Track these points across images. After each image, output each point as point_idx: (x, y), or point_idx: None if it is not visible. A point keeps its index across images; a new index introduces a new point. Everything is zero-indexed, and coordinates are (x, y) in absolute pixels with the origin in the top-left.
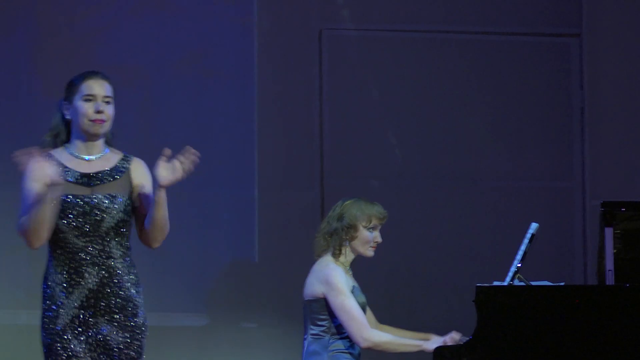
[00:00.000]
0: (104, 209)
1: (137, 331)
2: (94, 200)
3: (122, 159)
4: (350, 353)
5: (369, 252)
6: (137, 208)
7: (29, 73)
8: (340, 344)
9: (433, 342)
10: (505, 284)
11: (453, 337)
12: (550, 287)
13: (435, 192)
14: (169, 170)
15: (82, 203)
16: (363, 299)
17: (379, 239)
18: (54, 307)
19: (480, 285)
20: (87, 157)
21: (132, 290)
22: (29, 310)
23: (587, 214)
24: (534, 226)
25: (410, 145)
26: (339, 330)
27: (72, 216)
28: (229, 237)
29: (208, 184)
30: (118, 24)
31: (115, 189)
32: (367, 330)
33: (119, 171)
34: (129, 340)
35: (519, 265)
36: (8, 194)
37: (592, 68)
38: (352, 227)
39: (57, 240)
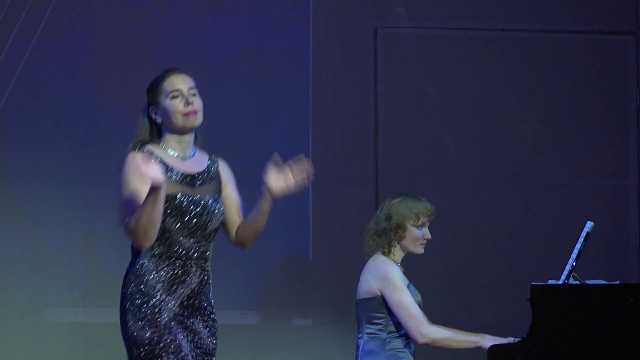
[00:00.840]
0: (211, 210)
1: (217, 338)
2: (202, 201)
3: (210, 159)
4: (407, 351)
5: (419, 250)
6: (227, 209)
7: (86, 71)
8: (398, 343)
9: (491, 339)
10: (560, 282)
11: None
12: (605, 285)
13: (489, 190)
14: (281, 180)
15: (193, 204)
16: (419, 297)
17: (429, 236)
18: (154, 301)
19: (535, 284)
20: (181, 155)
21: (211, 295)
22: (85, 308)
23: None
24: (589, 225)
25: (465, 144)
26: (397, 327)
27: (186, 217)
28: (284, 235)
29: (262, 181)
30: (174, 24)
31: (214, 190)
32: (425, 326)
33: (213, 172)
34: (215, 345)
35: (574, 263)
36: (69, 191)
37: None
38: (400, 227)
39: (161, 238)
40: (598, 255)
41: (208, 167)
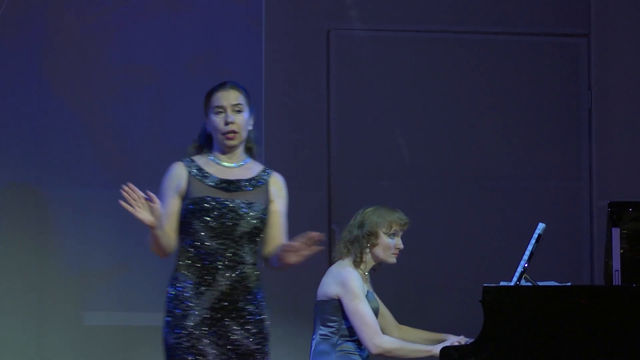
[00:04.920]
0: (240, 214)
1: (265, 338)
2: (232, 204)
3: (262, 171)
4: (358, 355)
5: (391, 259)
6: (268, 223)
7: (39, 72)
8: (349, 346)
9: (441, 345)
10: (512, 284)
11: (461, 341)
12: (556, 287)
13: (443, 192)
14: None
15: (219, 206)
16: (376, 304)
17: (401, 245)
18: (183, 307)
19: (487, 286)
20: (227, 165)
21: (259, 297)
22: (39, 310)
23: (594, 214)
24: (541, 226)
25: (418, 146)
26: (349, 332)
27: (209, 218)
28: None
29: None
30: (128, 25)
31: (252, 197)
32: (378, 336)
33: (258, 182)
34: (259, 347)
35: (526, 265)
36: (21, 193)
37: (600, 68)
38: (372, 234)
39: (192, 241)
40: (550, 256)
41: (256, 176)
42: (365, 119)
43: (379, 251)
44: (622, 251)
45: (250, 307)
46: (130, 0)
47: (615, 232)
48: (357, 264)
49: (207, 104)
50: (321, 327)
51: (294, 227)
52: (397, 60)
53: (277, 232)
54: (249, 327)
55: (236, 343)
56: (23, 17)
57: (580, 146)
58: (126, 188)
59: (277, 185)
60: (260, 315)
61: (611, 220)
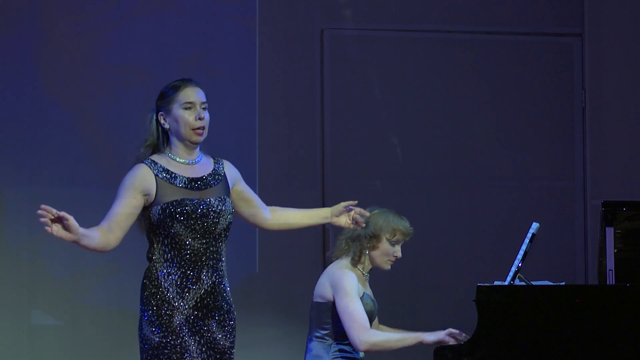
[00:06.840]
0: (218, 211)
1: (235, 334)
2: (208, 203)
3: (215, 162)
4: (353, 358)
5: (386, 266)
6: (245, 203)
7: (32, 71)
8: (344, 348)
9: (432, 334)
10: (506, 283)
11: (451, 332)
12: (550, 286)
13: (436, 192)
14: (344, 219)
15: (197, 206)
16: (372, 307)
17: (399, 254)
18: (168, 306)
19: (481, 285)
20: (183, 161)
21: (229, 292)
22: (30, 310)
23: (588, 214)
24: (534, 226)
25: (412, 145)
26: (344, 335)
27: (189, 219)
28: (230, 237)
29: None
30: (122, 24)
31: (221, 192)
32: (365, 332)
33: (219, 175)
34: (231, 344)
35: (520, 265)
36: (14, 192)
37: (594, 68)
38: (375, 237)
39: (171, 243)
40: (544, 256)
41: (214, 169)
42: (359, 119)
43: (377, 255)
44: (616, 250)
45: (225, 305)
46: None
47: (609, 232)
48: (354, 262)
49: (170, 100)
50: (317, 329)
51: None
52: (391, 60)
53: (258, 201)
54: (225, 323)
55: (215, 341)
56: (15, 17)
57: (574, 146)
58: (41, 210)
59: (230, 171)
60: (232, 311)
61: (605, 219)
